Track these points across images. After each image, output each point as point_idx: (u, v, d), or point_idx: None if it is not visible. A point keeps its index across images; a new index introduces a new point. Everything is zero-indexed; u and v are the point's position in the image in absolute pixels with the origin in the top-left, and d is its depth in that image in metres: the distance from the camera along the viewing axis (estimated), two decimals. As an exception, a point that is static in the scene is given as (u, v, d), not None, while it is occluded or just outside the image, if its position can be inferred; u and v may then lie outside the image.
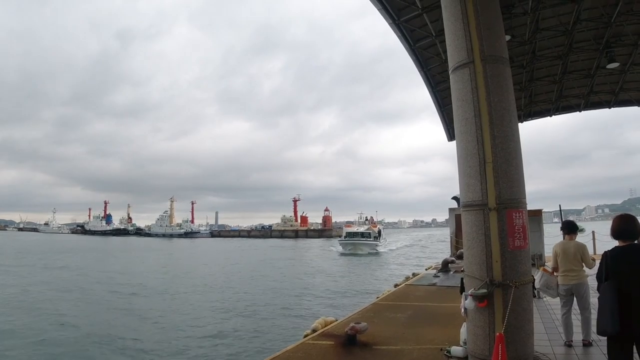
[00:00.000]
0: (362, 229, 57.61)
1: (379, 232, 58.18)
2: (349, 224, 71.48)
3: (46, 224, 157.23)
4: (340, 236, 60.04)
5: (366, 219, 72.38)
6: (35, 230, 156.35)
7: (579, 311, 5.25)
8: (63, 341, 11.64)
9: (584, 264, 5.19)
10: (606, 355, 3.21)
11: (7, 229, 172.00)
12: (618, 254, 3.13)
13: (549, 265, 5.64)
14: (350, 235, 55.46)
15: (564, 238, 5.47)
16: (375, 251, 50.50)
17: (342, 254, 49.68)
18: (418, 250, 52.93)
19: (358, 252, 49.14)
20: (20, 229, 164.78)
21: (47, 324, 13.59)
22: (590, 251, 6.73)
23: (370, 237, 53.86)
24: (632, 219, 3.24)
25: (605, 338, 3.13)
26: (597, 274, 3.28)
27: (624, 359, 3.00)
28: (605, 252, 3.28)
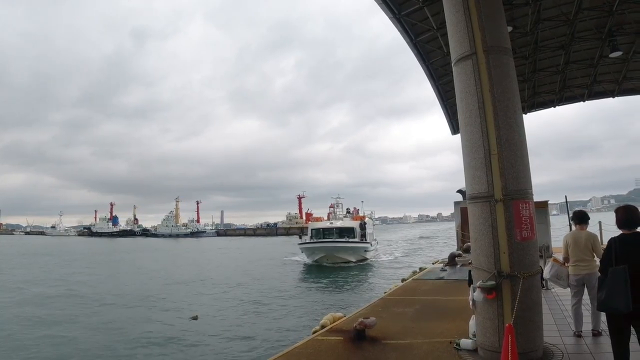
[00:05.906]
0: (338, 223, 34.31)
1: (362, 225, 33.06)
2: (317, 217, 43.21)
3: (53, 227, 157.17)
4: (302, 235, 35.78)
5: (348, 211, 42.05)
6: (42, 233, 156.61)
7: (587, 301, 5.24)
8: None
9: (595, 254, 5.17)
10: None
11: (14, 233, 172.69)
12: (625, 241, 3.46)
13: (559, 255, 5.62)
14: (320, 233, 33.06)
15: (570, 229, 5.46)
16: (363, 259, 30.92)
17: (310, 266, 29.83)
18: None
19: (336, 262, 29.33)
20: (27, 233, 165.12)
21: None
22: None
23: (353, 236, 32.04)
24: (634, 209, 3.60)
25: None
26: (604, 258, 3.57)
27: (626, 333, 3.38)
28: (612, 238, 3.57)
